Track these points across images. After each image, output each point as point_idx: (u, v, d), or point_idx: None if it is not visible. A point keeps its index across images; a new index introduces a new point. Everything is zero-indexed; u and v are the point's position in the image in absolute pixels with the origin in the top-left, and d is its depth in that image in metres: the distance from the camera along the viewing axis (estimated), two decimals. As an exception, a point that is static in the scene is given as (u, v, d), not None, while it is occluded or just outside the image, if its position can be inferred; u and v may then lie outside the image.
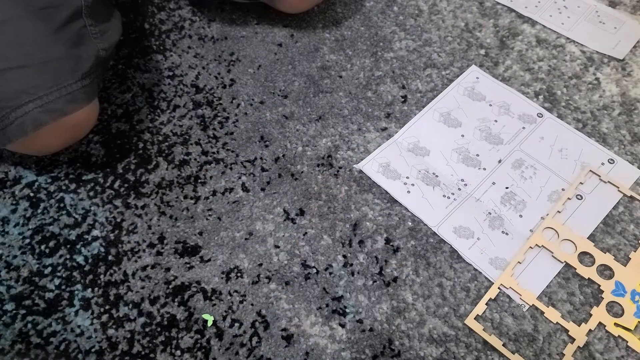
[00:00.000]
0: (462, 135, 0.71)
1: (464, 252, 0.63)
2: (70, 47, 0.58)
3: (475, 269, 0.62)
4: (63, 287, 0.61)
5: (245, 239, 0.64)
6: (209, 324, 0.59)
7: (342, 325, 0.59)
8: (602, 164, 0.69)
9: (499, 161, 0.69)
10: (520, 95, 0.74)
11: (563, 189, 0.67)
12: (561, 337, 0.58)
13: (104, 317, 0.59)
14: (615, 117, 0.73)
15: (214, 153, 0.70)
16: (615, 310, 0.60)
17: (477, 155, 0.70)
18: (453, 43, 0.80)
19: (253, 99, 0.74)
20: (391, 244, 0.64)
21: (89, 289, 0.61)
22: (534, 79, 0.76)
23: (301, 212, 0.66)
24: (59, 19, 0.57)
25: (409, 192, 0.67)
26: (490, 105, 0.74)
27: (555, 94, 0.75)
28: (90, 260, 0.63)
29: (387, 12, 0.83)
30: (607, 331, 0.58)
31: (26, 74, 0.55)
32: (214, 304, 0.60)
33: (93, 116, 0.63)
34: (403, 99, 0.75)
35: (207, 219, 0.65)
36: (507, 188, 0.67)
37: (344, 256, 0.63)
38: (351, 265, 0.62)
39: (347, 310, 0.60)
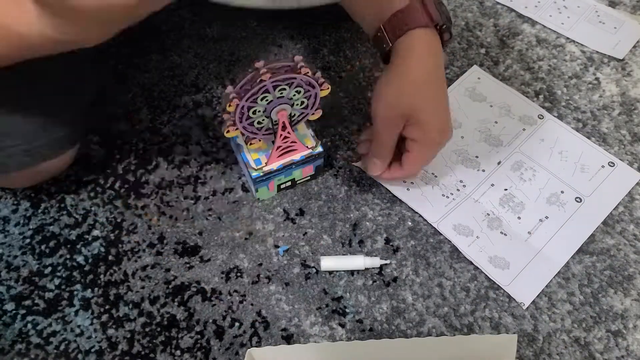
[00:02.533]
0: (462, 137, 0.71)
1: (464, 249, 0.63)
2: (62, 94, 0.58)
3: (475, 269, 0.62)
4: (63, 287, 0.61)
5: (245, 238, 0.64)
6: None
7: (342, 325, 0.59)
8: (602, 166, 0.69)
9: (498, 163, 0.69)
10: (521, 96, 0.74)
11: (562, 192, 0.67)
12: (561, 337, 0.58)
13: (104, 317, 0.59)
14: (615, 117, 0.73)
15: (214, 153, 0.70)
16: None
17: (477, 157, 0.70)
18: (453, 42, 0.80)
19: (253, 99, 0.74)
20: (391, 243, 0.64)
21: (89, 289, 0.61)
22: (534, 78, 0.77)
23: (301, 212, 0.66)
24: (59, 67, 0.56)
25: (408, 189, 0.67)
26: (491, 106, 0.74)
27: (556, 94, 0.75)
28: (90, 260, 0.63)
29: (387, 12, 0.83)
30: (607, 330, 0.59)
31: (16, 118, 0.55)
32: (214, 304, 0.60)
33: (69, 160, 0.64)
34: (403, 99, 0.74)
35: (207, 219, 0.65)
36: (505, 190, 0.67)
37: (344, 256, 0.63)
38: (351, 265, 0.63)
39: (347, 310, 0.60)
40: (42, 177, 0.65)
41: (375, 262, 0.62)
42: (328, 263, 0.61)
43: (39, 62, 0.52)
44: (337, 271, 0.62)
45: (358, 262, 0.61)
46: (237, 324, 0.59)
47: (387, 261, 0.62)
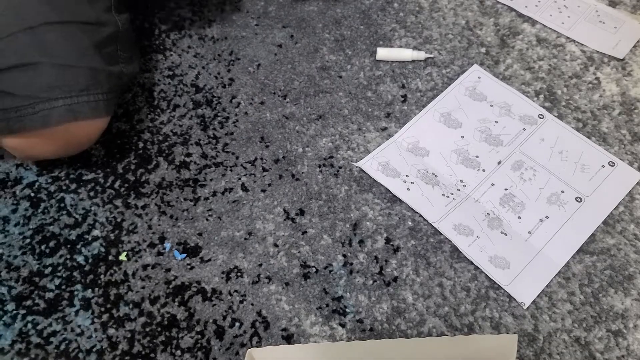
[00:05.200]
0: (462, 137, 0.71)
1: (464, 248, 0.63)
2: (104, 62, 0.62)
3: (475, 269, 0.62)
4: (63, 287, 0.61)
5: (245, 238, 0.64)
6: (122, 257, 0.63)
7: (342, 325, 0.59)
8: (603, 166, 0.69)
9: (499, 162, 0.69)
10: (521, 95, 0.74)
11: (562, 191, 0.67)
12: (561, 337, 0.58)
13: (105, 317, 0.59)
14: (616, 116, 0.73)
15: (214, 153, 0.70)
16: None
17: (477, 156, 0.70)
18: (454, 41, 0.80)
19: (253, 99, 0.74)
20: (391, 243, 0.64)
21: (89, 289, 0.61)
22: (535, 78, 0.76)
23: (301, 212, 0.66)
24: (99, 36, 0.63)
25: (408, 189, 0.67)
26: (492, 105, 0.74)
27: (556, 94, 0.75)
28: (90, 260, 0.63)
29: (388, 9, 0.83)
30: (607, 330, 0.59)
31: (65, 72, 0.59)
32: (214, 304, 0.60)
33: (99, 131, 0.65)
34: (403, 99, 0.75)
35: (207, 220, 0.65)
36: (506, 189, 0.67)
37: (344, 256, 0.63)
38: (351, 264, 0.63)
39: (347, 310, 0.60)
40: (72, 147, 0.66)
41: (420, 55, 0.77)
42: (383, 53, 0.77)
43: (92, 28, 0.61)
44: (337, 271, 0.62)
45: (406, 53, 0.77)
46: (237, 323, 0.59)
47: (432, 55, 0.77)
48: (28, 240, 0.64)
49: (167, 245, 0.63)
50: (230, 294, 0.61)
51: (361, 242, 0.64)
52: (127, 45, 0.67)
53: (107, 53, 0.63)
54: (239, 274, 0.62)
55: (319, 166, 0.69)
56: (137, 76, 0.76)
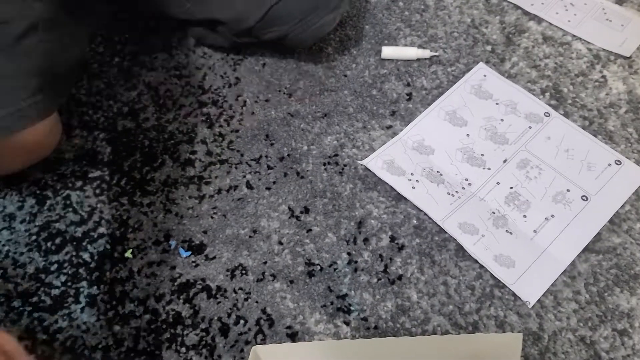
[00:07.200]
0: (468, 135, 0.71)
1: (469, 247, 0.63)
2: (20, 63, 0.56)
3: (480, 267, 0.62)
4: (69, 283, 0.61)
5: (250, 236, 0.64)
6: (127, 254, 0.62)
7: (347, 323, 0.59)
8: (609, 164, 0.68)
9: (504, 161, 0.69)
10: (527, 94, 0.74)
11: (568, 190, 0.67)
12: (566, 336, 0.58)
13: (110, 314, 0.60)
14: (622, 114, 0.73)
15: (219, 150, 0.70)
16: None
17: (482, 155, 0.69)
18: (459, 39, 0.80)
19: (258, 97, 0.74)
20: (396, 241, 0.64)
21: (95, 286, 0.61)
22: (541, 76, 0.76)
23: (306, 210, 0.66)
24: (9, 35, 0.55)
25: (413, 187, 0.67)
26: (497, 103, 0.73)
27: (562, 92, 0.75)
28: (96, 257, 0.63)
29: (393, 8, 0.83)
30: (613, 329, 0.58)
31: None
32: (219, 302, 0.60)
33: (54, 133, 0.62)
34: (408, 97, 0.74)
35: (212, 217, 0.65)
36: (511, 188, 0.67)
37: (349, 254, 0.63)
38: (356, 262, 0.63)
39: (352, 308, 0.60)
40: (27, 158, 0.64)
41: (425, 53, 0.76)
42: (388, 52, 0.77)
43: None
44: (341, 269, 0.62)
45: (411, 52, 0.76)
46: (242, 321, 0.59)
47: (437, 53, 0.77)
48: (34, 237, 0.64)
49: (172, 242, 0.64)
50: (235, 292, 0.61)
51: (366, 240, 0.64)
52: (58, 32, 0.59)
53: (24, 51, 0.55)
54: (243, 271, 0.62)
55: (324, 164, 0.69)
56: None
